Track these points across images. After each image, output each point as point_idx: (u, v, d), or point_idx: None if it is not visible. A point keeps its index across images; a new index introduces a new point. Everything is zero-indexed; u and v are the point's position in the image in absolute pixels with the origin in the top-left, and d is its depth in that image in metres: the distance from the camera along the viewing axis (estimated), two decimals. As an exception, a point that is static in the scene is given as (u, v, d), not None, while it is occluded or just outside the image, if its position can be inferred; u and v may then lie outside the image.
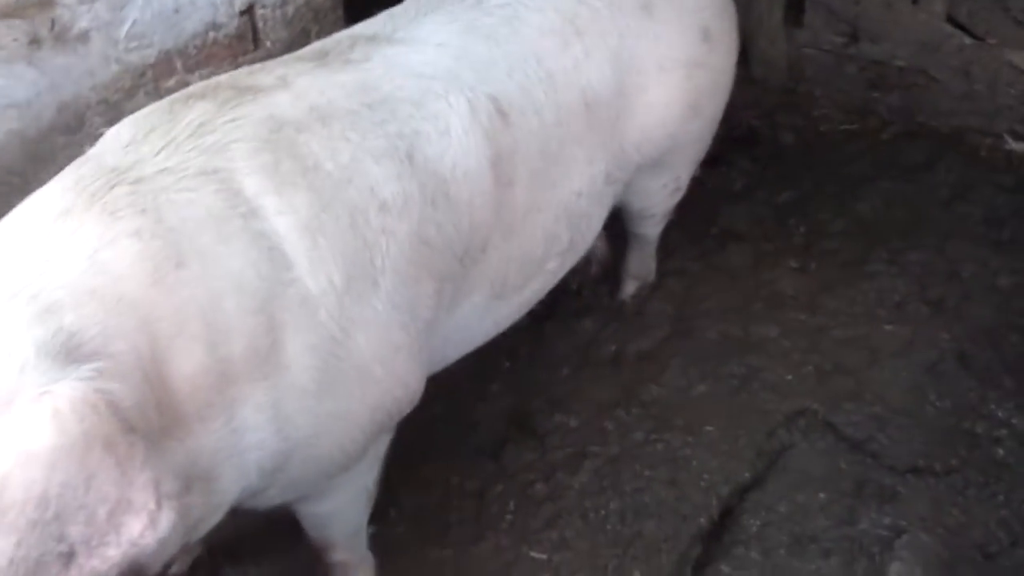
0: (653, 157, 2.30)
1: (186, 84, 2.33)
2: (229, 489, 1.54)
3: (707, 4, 2.32)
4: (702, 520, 2.47)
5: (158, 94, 2.29)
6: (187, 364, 1.40)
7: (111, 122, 1.69)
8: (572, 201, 2.12)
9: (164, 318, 1.38)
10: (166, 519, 1.19)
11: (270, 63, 1.86)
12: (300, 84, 1.73)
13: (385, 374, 1.71)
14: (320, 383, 1.59)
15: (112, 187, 1.45)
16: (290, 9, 2.54)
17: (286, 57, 1.91)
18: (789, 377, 2.80)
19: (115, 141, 1.59)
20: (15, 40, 1.98)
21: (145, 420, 1.29)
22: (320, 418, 1.62)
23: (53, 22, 2.04)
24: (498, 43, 1.97)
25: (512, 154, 1.93)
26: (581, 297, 3.04)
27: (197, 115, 1.61)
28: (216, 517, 1.57)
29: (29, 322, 1.25)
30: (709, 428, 2.68)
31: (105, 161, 1.53)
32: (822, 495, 2.50)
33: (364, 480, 1.98)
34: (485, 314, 2.08)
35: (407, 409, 1.87)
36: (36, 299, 1.28)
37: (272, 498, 1.76)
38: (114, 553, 1.15)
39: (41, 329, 1.24)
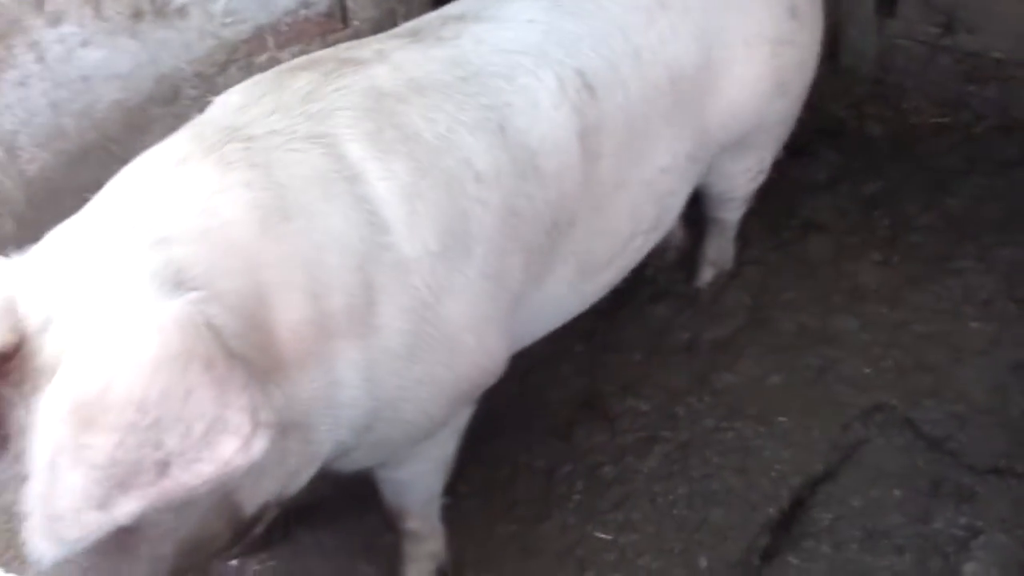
0: (737, 136, 2.29)
1: (277, 60, 2.39)
2: (324, 441, 1.59)
3: None
4: (771, 510, 2.45)
5: (250, 69, 2.35)
6: (290, 312, 1.45)
7: (204, 94, 1.75)
8: (657, 177, 2.12)
9: (270, 265, 1.43)
10: (259, 444, 1.21)
11: (366, 39, 1.91)
12: (397, 58, 1.78)
13: (474, 343, 1.75)
14: (410, 347, 1.64)
15: (227, 142, 1.52)
16: (379, -11, 2.59)
17: (380, 35, 1.96)
18: (867, 371, 2.75)
19: (226, 106, 1.67)
20: (119, 13, 2.07)
21: (247, 356, 1.33)
22: (408, 382, 1.67)
23: (154, -4, 2.12)
24: (584, 19, 1.99)
25: (599, 128, 1.95)
26: (657, 283, 3.03)
27: (303, 84, 1.67)
28: (310, 470, 1.62)
29: (145, 251, 1.32)
30: (782, 419, 2.65)
31: (219, 121, 1.61)
32: (897, 492, 2.46)
33: (444, 450, 2.02)
34: (571, 290, 2.10)
35: (491, 381, 1.91)
36: (153, 233, 1.35)
37: (358, 460, 1.81)
38: (206, 470, 1.18)
39: (155, 258, 1.32)
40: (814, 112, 2.65)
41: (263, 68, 2.34)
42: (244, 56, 2.36)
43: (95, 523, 1.14)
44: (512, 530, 2.43)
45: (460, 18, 1.95)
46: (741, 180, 2.57)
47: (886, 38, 3.67)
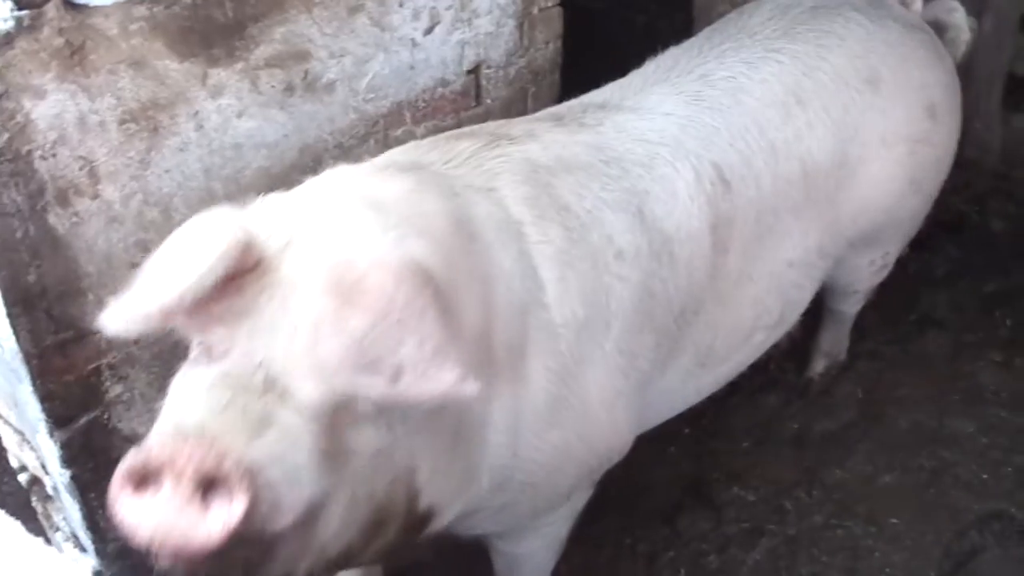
0: (867, 232, 2.28)
1: (412, 134, 2.49)
2: (477, 468, 1.61)
3: (934, 81, 2.29)
4: (881, 615, 2.39)
5: (387, 142, 2.45)
6: (469, 319, 1.50)
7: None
8: (783, 271, 2.13)
9: (459, 267, 1.51)
10: (473, 385, 1.28)
11: (514, 120, 2.01)
12: (546, 138, 1.87)
13: (606, 418, 1.79)
14: (552, 410, 1.68)
15: (417, 169, 1.66)
16: (512, 71, 2.66)
17: (526, 117, 2.06)
18: (985, 476, 2.68)
19: (396, 154, 1.81)
20: (273, 87, 2.18)
21: None
22: (545, 445, 1.70)
23: (306, 73, 2.22)
24: (721, 113, 2.03)
25: (731, 221, 1.98)
26: (768, 371, 3.01)
27: (466, 147, 1.78)
28: (456, 504, 1.64)
29: (367, 207, 1.45)
30: (894, 520, 2.60)
31: (400, 159, 1.75)
32: (1014, 606, 2.38)
33: (561, 529, 2.04)
34: (688, 380, 2.11)
35: (615, 460, 1.93)
36: (368, 197, 1.48)
37: (481, 523, 1.84)
38: (431, 389, 1.26)
39: (378, 215, 1.43)
40: (935, 206, 2.62)
41: (400, 141, 2.44)
42: (383, 129, 2.46)
43: (350, 383, 1.26)
44: (612, 613, 2.42)
45: (602, 106, 2.02)
46: (865, 273, 2.55)
47: (1012, 132, 3.61)
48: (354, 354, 1.25)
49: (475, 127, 1.96)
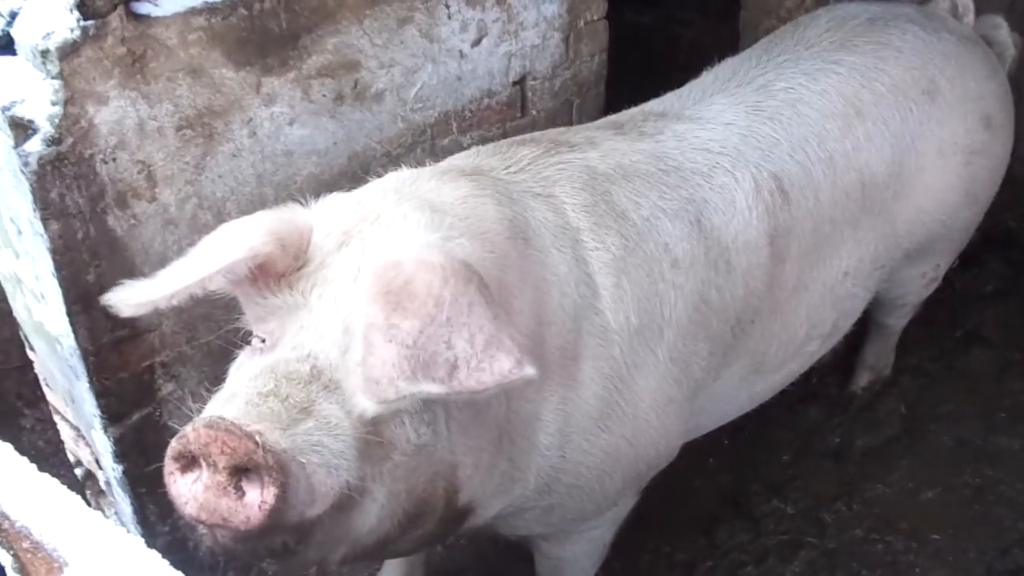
0: (921, 242, 2.29)
1: (459, 144, 2.53)
2: (523, 467, 1.65)
3: (990, 92, 2.29)
4: (921, 630, 2.37)
5: (433, 152, 2.50)
6: (520, 320, 1.54)
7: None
8: (839, 281, 2.14)
9: (513, 268, 1.56)
10: (530, 369, 1.32)
11: (574, 128, 2.05)
12: (605, 146, 1.90)
13: (656, 423, 1.81)
14: (603, 414, 1.71)
15: (477, 175, 1.71)
16: (557, 82, 2.70)
17: (586, 125, 2.09)
18: (1030, 495, 2.65)
19: (458, 159, 1.85)
20: (324, 96, 2.24)
21: None
22: (595, 448, 1.73)
23: (356, 82, 2.28)
24: (781, 124, 2.05)
25: (789, 231, 2.00)
26: (810, 383, 3.00)
27: (527, 153, 1.83)
28: (504, 498, 1.68)
29: (422, 210, 1.51)
30: (936, 536, 2.58)
31: (460, 165, 1.78)
32: (1058, 627, 2.35)
33: (605, 534, 2.06)
34: (741, 388, 2.13)
35: (663, 465, 1.95)
36: (426, 202, 1.55)
37: (527, 523, 1.87)
38: (487, 379, 1.31)
39: (431, 216, 1.51)
40: (984, 221, 2.61)
41: (446, 150, 2.49)
42: (430, 139, 2.51)
43: (406, 390, 1.29)
44: (650, 621, 2.43)
45: (662, 115, 2.05)
46: (915, 286, 2.54)
47: (1063, 150, 3.56)
48: (408, 360, 1.29)
49: (536, 134, 1.99)
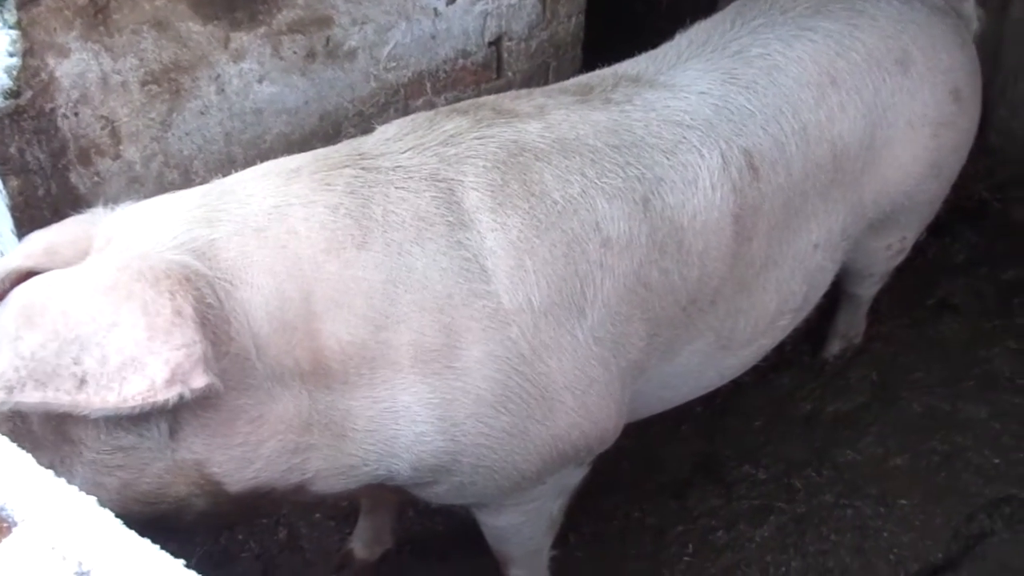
0: (887, 213, 2.27)
1: (433, 104, 2.50)
2: (365, 459, 1.64)
3: (960, 65, 2.27)
4: (887, 594, 2.40)
5: (407, 111, 2.46)
6: (340, 330, 1.53)
7: (363, 133, 1.84)
8: (809, 254, 2.11)
9: (327, 282, 1.52)
10: (168, 396, 1.33)
11: (536, 90, 1.96)
12: (555, 116, 1.83)
13: (574, 404, 1.76)
14: (500, 396, 1.66)
15: (344, 166, 1.64)
16: (534, 43, 2.67)
17: (553, 87, 2.01)
18: (997, 461, 2.67)
19: (382, 134, 1.78)
20: (295, 53, 2.19)
21: (271, 348, 1.48)
22: (494, 430, 1.69)
23: (328, 39, 2.24)
24: (756, 94, 2.00)
25: (757, 209, 1.95)
26: (783, 351, 3.00)
27: (452, 127, 1.75)
28: (342, 480, 1.66)
29: (194, 220, 1.50)
30: (903, 501, 2.59)
31: (361, 146, 1.72)
32: (1021, 591, 2.38)
33: (546, 506, 2.01)
34: (709, 363, 2.09)
35: (597, 446, 1.89)
36: (215, 212, 1.52)
37: (443, 496, 1.83)
38: (113, 399, 1.32)
39: (194, 228, 1.49)
40: (956, 192, 2.60)
41: (420, 110, 2.45)
42: (403, 99, 2.47)
43: (15, 398, 1.31)
44: (621, 585, 2.43)
45: (635, 80, 1.98)
46: (881, 257, 2.53)
47: (1038, 121, 3.57)
48: (18, 371, 1.31)
49: (487, 99, 1.91)
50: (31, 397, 1.32)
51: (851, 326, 2.95)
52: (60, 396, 1.31)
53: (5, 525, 0.85)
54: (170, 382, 1.33)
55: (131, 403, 1.32)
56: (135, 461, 1.46)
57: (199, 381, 1.35)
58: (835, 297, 2.88)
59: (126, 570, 0.77)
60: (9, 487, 0.88)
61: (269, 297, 1.48)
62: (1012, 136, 3.60)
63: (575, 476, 2.01)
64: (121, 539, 0.82)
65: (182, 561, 0.81)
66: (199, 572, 0.84)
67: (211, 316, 1.40)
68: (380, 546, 2.44)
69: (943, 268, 3.24)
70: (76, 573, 0.78)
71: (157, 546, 0.82)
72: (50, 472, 0.93)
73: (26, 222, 1.90)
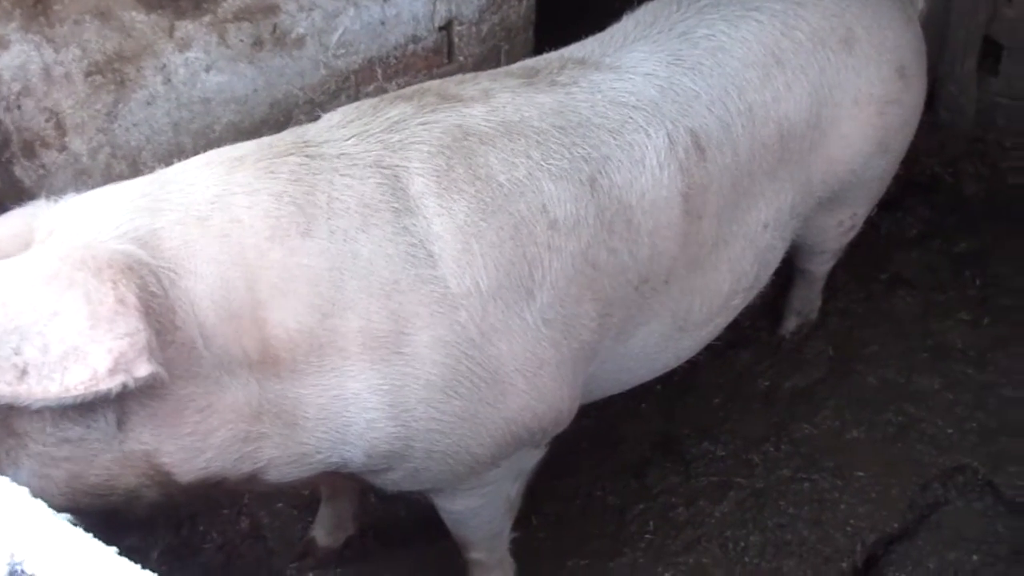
0: (835, 191, 2.29)
1: (384, 90, 2.49)
2: (318, 447, 1.64)
3: (905, 42, 2.30)
4: (844, 564, 2.44)
5: (358, 98, 2.45)
6: (287, 318, 1.53)
7: (313, 120, 1.84)
8: (759, 233, 2.13)
9: (271, 270, 1.52)
10: (111, 385, 1.32)
11: (482, 74, 1.96)
12: (499, 99, 1.83)
13: (525, 386, 1.76)
14: (450, 380, 1.67)
15: (289, 154, 1.63)
16: (484, 27, 2.66)
17: (499, 70, 2.01)
18: (950, 431, 2.73)
19: (327, 121, 1.77)
20: (241, 41, 2.18)
21: (219, 336, 1.47)
22: (445, 415, 1.69)
23: (275, 27, 2.22)
24: (702, 75, 2.01)
25: (705, 188, 1.96)
26: (740, 329, 3.04)
27: (396, 113, 1.75)
28: (296, 468, 1.67)
29: (137, 210, 1.49)
30: (860, 473, 2.64)
31: (305, 134, 1.72)
32: (975, 557, 2.43)
33: (503, 489, 2.02)
34: (666, 344, 2.11)
35: (552, 428, 1.90)
36: (157, 202, 1.51)
37: (397, 482, 1.84)
38: (55, 389, 1.31)
39: (137, 218, 1.47)
40: (908, 167, 2.64)
41: (370, 96, 2.44)
42: (354, 85, 2.46)
43: None
44: (582, 565, 2.46)
45: (581, 63, 1.98)
46: (833, 234, 2.56)
47: (986, 95, 3.62)
48: None
49: (432, 84, 1.91)
50: None
51: (806, 303, 2.98)
52: (0, 387, 1.29)
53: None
54: (113, 371, 1.32)
55: (74, 393, 1.31)
56: (83, 453, 1.45)
57: (143, 370, 1.34)
58: (790, 275, 2.92)
59: (60, 559, 0.77)
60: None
61: (213, 286, 1.47)
62: (961, 112, 3.65)
63: (531, 458, 2.02)
64: (55, 529, 0.82)
65: (114, 548, 0.81)
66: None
67: (155, 305, 1.40)
68: (342, 533, 2.44)
69: (896, 242, 3.29)
70: (9, 564, 0.78)
71: (90, 535, 0.82)
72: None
73: (-29, 217, 1.88)
